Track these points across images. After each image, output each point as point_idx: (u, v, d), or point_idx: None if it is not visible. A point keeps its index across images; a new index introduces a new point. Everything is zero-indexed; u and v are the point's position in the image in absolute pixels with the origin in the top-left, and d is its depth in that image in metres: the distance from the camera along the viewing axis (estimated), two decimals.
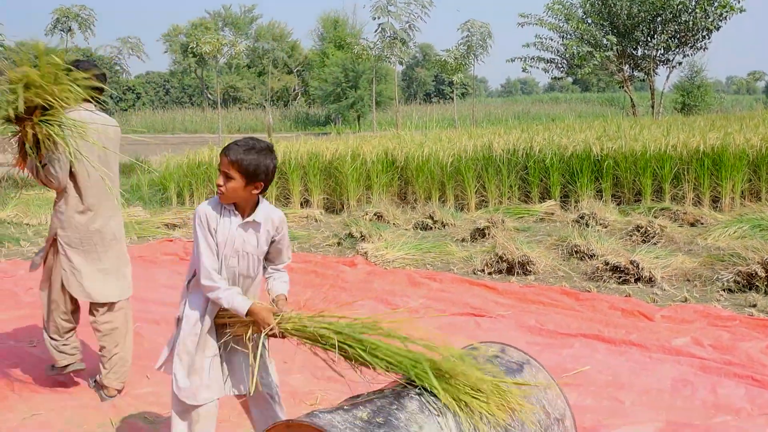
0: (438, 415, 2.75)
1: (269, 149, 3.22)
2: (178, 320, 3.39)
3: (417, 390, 2.87)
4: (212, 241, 3.21)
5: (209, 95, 55.00)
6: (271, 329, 3.10)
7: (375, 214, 11.46)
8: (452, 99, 39.53)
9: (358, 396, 2.95)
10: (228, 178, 3.15)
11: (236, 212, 3.24)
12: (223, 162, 3.16)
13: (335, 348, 2.97)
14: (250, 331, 3.19)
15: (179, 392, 3.31)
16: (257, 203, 3.27)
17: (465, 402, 2.79)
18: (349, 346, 2.97)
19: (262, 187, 3.21)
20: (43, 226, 11.74)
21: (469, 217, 11.50)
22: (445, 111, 46.24)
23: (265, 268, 3.43)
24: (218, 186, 3.18)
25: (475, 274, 7.98)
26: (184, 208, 13.44)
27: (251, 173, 3.14)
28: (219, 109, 31.60)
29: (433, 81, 74.80)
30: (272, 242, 3.35)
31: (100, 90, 4.65)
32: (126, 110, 57.47)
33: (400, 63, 29.34)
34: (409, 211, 12.15)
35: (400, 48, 26.63)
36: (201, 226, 3.21)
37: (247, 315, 3.15)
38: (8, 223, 11.84)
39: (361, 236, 9.78)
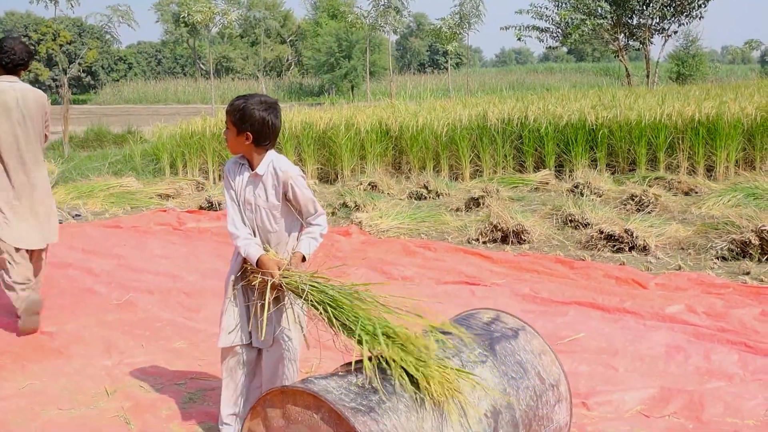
0: None
1: (263, 102, 3.35)
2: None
3: None
4: (233, 193, 3.46)
5: (202, 65, 54.59)
6: (271, 280, 3.22)
7: (369, 184, 11.43)
8: (446, 69, 39.34)
9: (353, 362, 2.95)
10: (227, 128, 3.42)
11: (248, 167, 3.45)
12: (227, 118, 3.43)
13: (317, 308, 3.05)
14: (257, 281, 3.32)
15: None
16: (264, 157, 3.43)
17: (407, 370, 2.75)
18: (331, 307, 3.01)
19: (252, 139, 3.34)
20: None
21: (464, 186, 11.48)
22: (439, 81, 46.02)
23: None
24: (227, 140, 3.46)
25: (469, 243, 7.97)
26: (178, 179, 13.38)
27: (238, 122, 3.34)
28: (212, 79, 31.32)
29: (428, 51, 74.33)
30: (285, 197, 3.43)
31: (26, 65, 5.24)
32: (118, 80, 57.07)
33: (394, 32, 29.09)
34: (403, 181, 12.11)
35: (394, 17, 26.41)
36: (225, 180, 3.49)
37: (257, 265, 3.31)
38: None
39: (356, 206, 9.76)
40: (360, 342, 2.84)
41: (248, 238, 3.38)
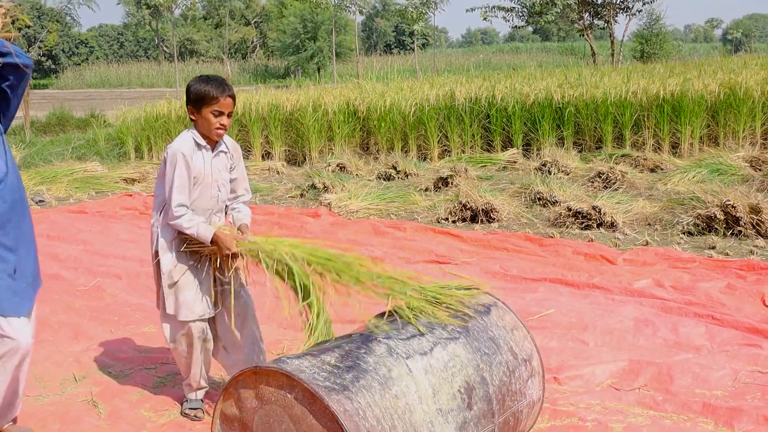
0: (406, 358, 2.74)
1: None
2: (155, 254, 3.55)
3: (384, 334, 2.86)
4: (186, 176, 3.40)
5: (165, 48, 53.80)
6: (232, 253, 3.36)
7: (338, 165, 11.37)
8: (413, 50, 39.23)
9: (326, 341, 2.93)
10: (230, 112, 3.51)
11: (207, 145, 3.52)
12: (228, 102, 3.46)
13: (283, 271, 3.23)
14: (217, 257, 3.43)
15: (167, 318, 3.57)
16: None
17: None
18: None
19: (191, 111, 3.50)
20: None
21: (432, 166, 11.48)
22: (405, 62, 45.86)
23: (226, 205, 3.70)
24: (223, 126, 3.48)
25: (439, 222, 7.98)
26: (143, 163, 13.20)
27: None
28: (176, 62, 30.93)
29: (393, 32, 74.05)
30: (231, 170, 3.64)
31: None
32: (79, 65, 55.98)
33: (360, 12, 28.94)
34: (371, 162, 12.08)
35: None
36: (177, 164, 3.39)
37: (211, 242, 3.38)
38: None
39: (324, 187, 9.71)
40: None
41: (195, 218, 3.42)
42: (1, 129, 3.13)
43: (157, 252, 3.53)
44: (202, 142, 3.49)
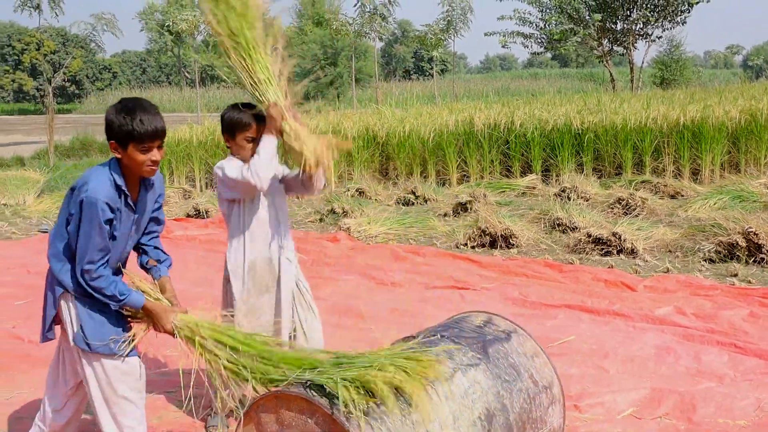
0: (426, 384, 2.73)
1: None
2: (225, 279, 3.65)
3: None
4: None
5: (186, 74, 54.40)
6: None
7: (357, 190, 11.42)
8: (431, 75, 39.45)
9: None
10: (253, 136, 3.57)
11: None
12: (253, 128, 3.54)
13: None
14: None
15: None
16: None
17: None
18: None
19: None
20: (20, 206, 11.59)
21: (451, 192, 11.49)
22: (424, 87, 46.04)
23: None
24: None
25: (458, 248, 7.98)
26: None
27: None
28: (197, 88, 31.23)
29: (412, 58, 74.52)
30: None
31: None
32: (103, 90, 56.80)
33: (380, 39, 29.15)
34: (390, 187, 12.12)
35: (379, 23, 26.45)
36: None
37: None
38: None
39: (343, 212, 9.75)
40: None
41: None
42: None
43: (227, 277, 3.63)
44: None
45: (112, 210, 2.86)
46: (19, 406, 4.15)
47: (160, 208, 3.23)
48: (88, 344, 2.93)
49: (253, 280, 3.60)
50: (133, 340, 3.02)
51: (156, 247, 3.27)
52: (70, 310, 2.98)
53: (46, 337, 3.10)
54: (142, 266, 3.24)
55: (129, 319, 3.06)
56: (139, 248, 3.25)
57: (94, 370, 2.98)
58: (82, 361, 2.99)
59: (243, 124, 3.53)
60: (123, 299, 2.92)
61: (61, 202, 3.02)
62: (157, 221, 3.25)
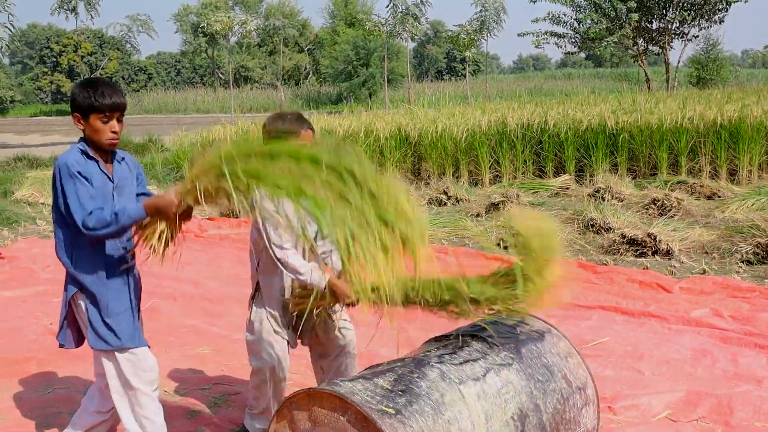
0: (459, 383, 2.73)
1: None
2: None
3: (437, 359, 2.85)
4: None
5: (220, 75, 54.91)
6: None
7: None
8: (464, 76, 39.33)
9: (378, 365, 2.94)
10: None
11: None
12: (308, 135, 3.42)
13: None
14: (327, 303, 3.30)
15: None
16: None
17: None
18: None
19: None
20: None
21: (484, 192, 11.44)
22: (457, 88, 45.93)
23: None
24: None
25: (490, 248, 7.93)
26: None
27: None
28: (231, 88, 31.54)
29: (445, 58, 74.27)
30: None
31: None
32: (138, 91, 57.51)
33: (412, 39, 29.15)
34: (422, 187, 12.10)
35: (412, 23, 26.43)
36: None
37: (325, 288, 3.26)
38: (24, 202, 11.89)
39: None
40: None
41: (308, 263, 3.31)
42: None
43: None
44: None
45: (81, 172, 2.93)
46: (56, 401, 4.21)
47: (143, 185, 3.30)
48: (99, 340, 3.02)
49: None
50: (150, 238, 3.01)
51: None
52: (81, 309, 3.05)
53: (59, 338, 3.18)
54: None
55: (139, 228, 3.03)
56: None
57: (108, 365, 3.06)
58: (100, 358, 3.08)
59: (292, 134, 3.37)
60: (120, 216, 2.88)
61: None
62: (148, 195, 3.27)
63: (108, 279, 3.02)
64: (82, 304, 3.04)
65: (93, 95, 2.97)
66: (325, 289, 3.25)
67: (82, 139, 3.07)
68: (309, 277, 3.25)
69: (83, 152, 3.00)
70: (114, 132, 3.03)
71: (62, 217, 2.97)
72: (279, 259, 3.26)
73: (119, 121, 3.05)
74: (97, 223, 2.86)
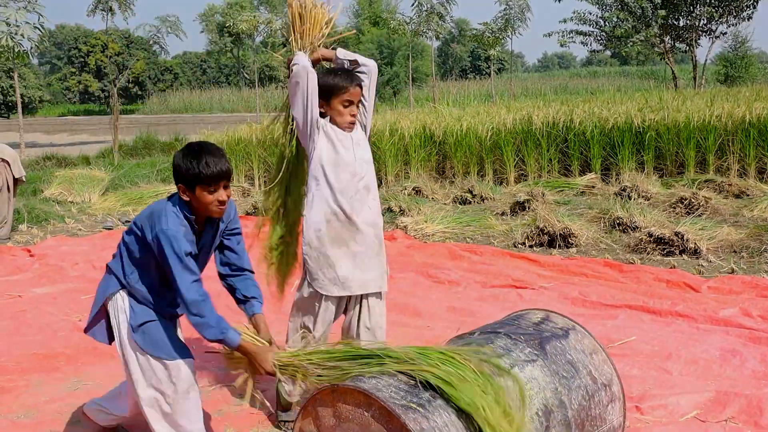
0: None
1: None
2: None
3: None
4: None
5: (246, 75, 55.20)
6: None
7: (413, 189, 11.42)
8: (488, 74, 39.19)
9: None
10: None
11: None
12: (357, 91, 3.58)
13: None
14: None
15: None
16: None
17: None
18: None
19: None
20: (86, 204, 11.92)
21: (509, 191, 11.39)
22: (481, 86, 45.77)
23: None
24: (353, 115, 3.67)
25: (515, 247, 7.91)
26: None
27: None
28: (256, 88, 31.67)
29: (469, 57, 74.07)
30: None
31: None
32: (164, 91, 58.00)
33: (437, 38, 29.00)
34: (447, 186, 12.08)
35: (436, 22, 26.35)
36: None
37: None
38: (53, 200, 12.05)
39: (400, 210, 9.76)
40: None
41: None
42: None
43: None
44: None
45: (189, 252, 2.94)
46: (85, 397, 4.26)
47: (233, 236, 3.27)
48: (140, 347, 3.04)
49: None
50: (246, 393, 3.09)
51: (244, 281, 3.41)
52: (120, 312, 3.07)
53: (87, 329, 3.24)
54: (238, 302, 3.35)
55: (227, 360, 3.11)
56: (228, 287, 3.37)
57: (143, 372, 3.08)
58: (130, 361, 3.09)
59: (340, 88, 3.49)
60: (222, 336, 2.94)
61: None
62: (232, 251, 3.31)
63: (155, 299, 3.07)
64: (121, 304, 3.06)
65: (197, 166, 2.89)
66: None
67: (180, 200, 2.99)
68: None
69: (183, 216, 2.97)
70: (221, 201, 2.98)
71: (143, 244, 2.98)
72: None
73: (225, 188, 2.99)
74: (199, 312, 2.90)
